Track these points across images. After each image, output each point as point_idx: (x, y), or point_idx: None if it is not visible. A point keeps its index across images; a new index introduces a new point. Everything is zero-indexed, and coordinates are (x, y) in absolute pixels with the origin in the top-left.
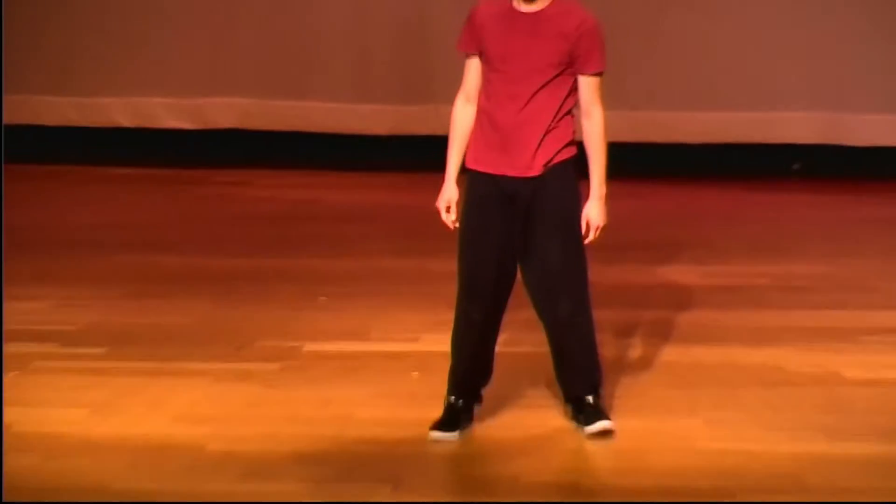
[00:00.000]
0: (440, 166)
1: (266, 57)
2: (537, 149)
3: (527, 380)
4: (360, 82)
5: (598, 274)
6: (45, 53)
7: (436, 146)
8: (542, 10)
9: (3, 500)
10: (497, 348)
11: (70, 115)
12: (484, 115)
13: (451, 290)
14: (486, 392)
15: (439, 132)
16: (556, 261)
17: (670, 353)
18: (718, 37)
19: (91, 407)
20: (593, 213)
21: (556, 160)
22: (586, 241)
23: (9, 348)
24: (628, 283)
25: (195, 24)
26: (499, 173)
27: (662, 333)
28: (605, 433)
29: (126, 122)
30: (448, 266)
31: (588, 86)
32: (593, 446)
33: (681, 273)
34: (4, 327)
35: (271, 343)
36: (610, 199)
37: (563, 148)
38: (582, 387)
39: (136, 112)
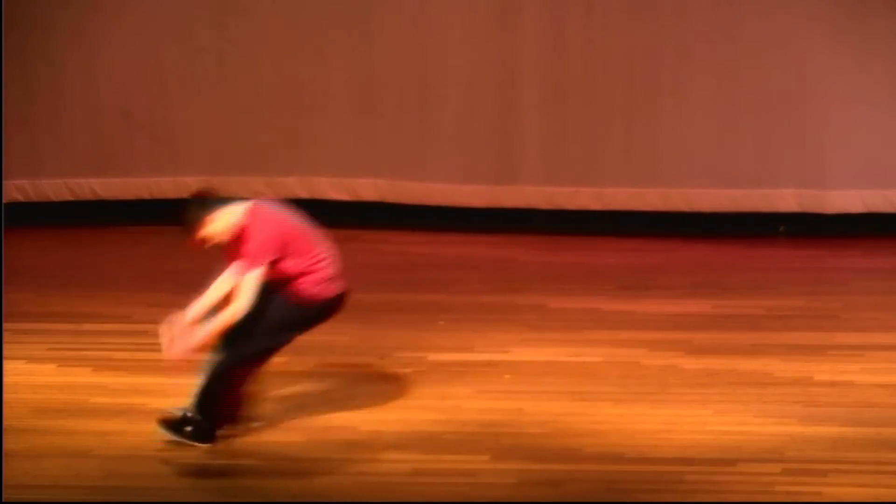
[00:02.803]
0: (523, 229)
1: (402, 145)
2: None
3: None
4: (465, 166)
5: (638, 305)
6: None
7: (521, 215)
8: None
9: (3, 500)
10: None
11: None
12: None
13: (532, 318)
14: None
15: (521, 206)
16: None
17: (689, 362)
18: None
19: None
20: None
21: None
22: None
23: None
24: (659, 311)
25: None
26: None
27: (684, 348)
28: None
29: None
30: (530, 300)
31: None
32: (635, 427)
33: (697, 305)
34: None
35: (404, 354)
36: (648, 252)
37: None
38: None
39: (312, 188)
